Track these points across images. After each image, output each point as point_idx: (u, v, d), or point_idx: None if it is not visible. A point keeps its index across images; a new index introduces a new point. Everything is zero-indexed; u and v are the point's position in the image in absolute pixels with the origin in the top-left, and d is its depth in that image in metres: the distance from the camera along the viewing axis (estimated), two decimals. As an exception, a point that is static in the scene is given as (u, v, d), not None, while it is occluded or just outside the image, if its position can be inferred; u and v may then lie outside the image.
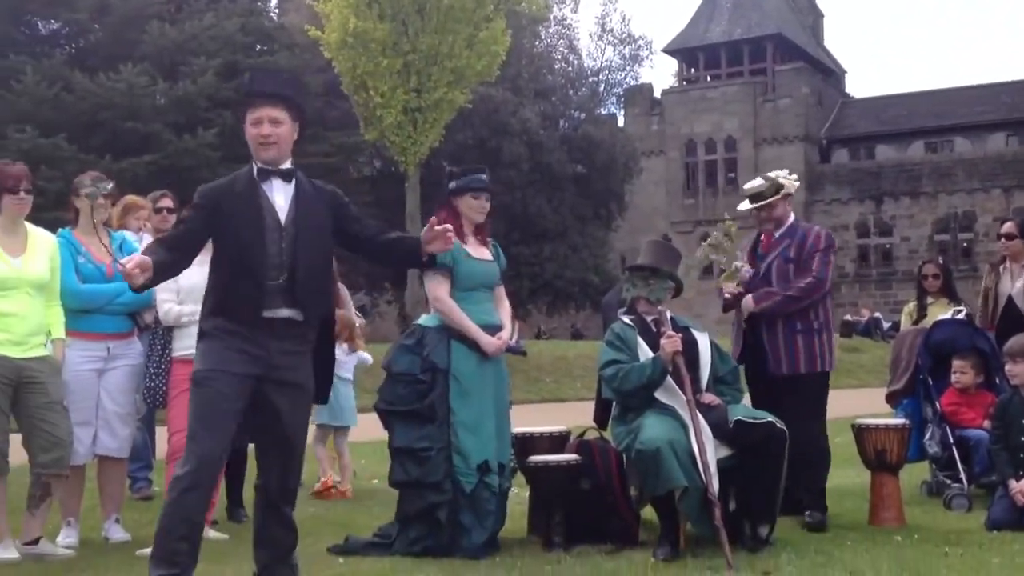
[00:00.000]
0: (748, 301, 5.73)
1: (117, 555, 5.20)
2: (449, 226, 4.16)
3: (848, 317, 33.41)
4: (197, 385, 3.99)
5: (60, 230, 5.61)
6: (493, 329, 5.31)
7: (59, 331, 5.29)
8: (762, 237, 5.94)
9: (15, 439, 5.16)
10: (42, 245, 5.27)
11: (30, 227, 5.30)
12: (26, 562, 5.01)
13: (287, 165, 4.13)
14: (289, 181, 4.10)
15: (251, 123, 4.08)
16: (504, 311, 5.50)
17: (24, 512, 5.21)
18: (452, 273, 5.28)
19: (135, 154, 25.28)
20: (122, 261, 3.82)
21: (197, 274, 5.52)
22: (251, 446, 6.40)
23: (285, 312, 4.01)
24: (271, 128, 4.05)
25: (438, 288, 5.28)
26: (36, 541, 5.15)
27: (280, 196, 4.07)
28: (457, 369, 5.18)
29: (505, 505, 5.34)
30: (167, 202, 6.60)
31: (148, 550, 5.12)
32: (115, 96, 25.75)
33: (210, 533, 5.65)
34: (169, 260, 3.95)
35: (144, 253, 3.94)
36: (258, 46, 30.84)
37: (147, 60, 26.88)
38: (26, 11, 28.89)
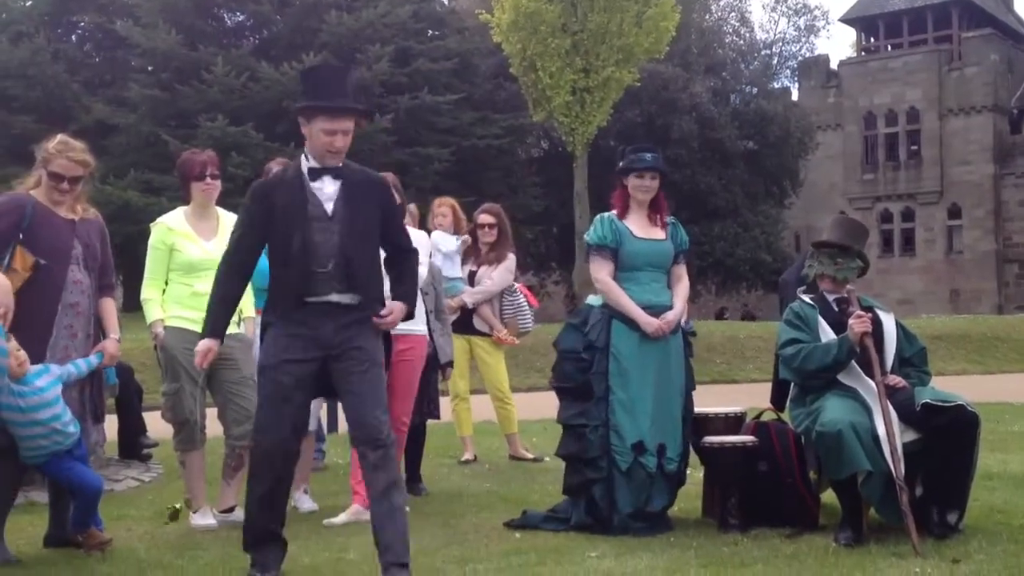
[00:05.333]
0: None
1: (306, 524, 5.43)
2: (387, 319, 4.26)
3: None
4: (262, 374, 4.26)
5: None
6: (658, 310, 5.27)
7: (249, 310, 5.55)
8: None
9: (211, 413, 5.46)
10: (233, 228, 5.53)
11: (221, 211, 5.58)
12: (223, 529, 5.28)
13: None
14: (337, 177, 4.22)
15: (325, 132, 4.18)
16: (679, 292, 5.44)
17: (220, 482, 5.52)
18: (616, 253, 5.28)
19: (316, 140, 26.21)
20: None
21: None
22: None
23: (335, 297, 4.16)
24: (344, 141, 4.20)
25: (599, 269, 5.32)
26: (231, 510, 5.44)
27: (330, 188, 4.22)
28: (616, 348, 5.20)
29: (673, 486, 5.31)
30: None
31: (336, 519, 5.39)
32: (298, 84, 26.67)
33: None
34: None
35: None
36: (429, 31, 31.43)
37: (326, 48, 27.80)
38: (213, 4, 30.35)
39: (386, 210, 4.35)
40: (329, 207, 4.18)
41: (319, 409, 6.15)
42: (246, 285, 4.47)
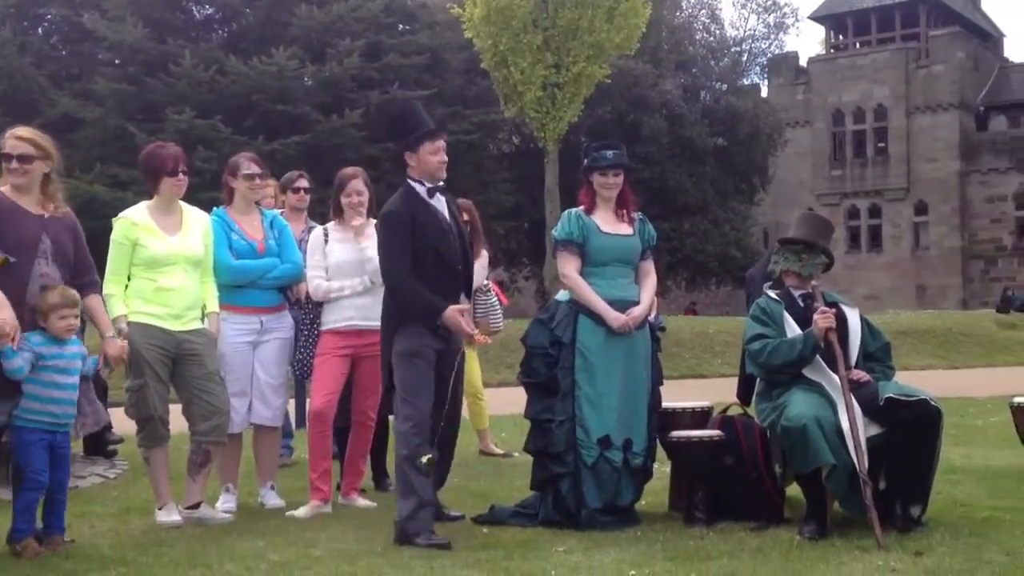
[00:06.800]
0: None
1: (273, 520, 5.41)
2: None
3: (1009, 292, 31.92)
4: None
5: (215, 208, 5.84)
6: (625, 305, 5.29)
7: (213, 305, 5.50)
8: None
9: (175, 409, 5.42)
10: (196, 223, 5.49)
11: (184, 206, 5.52)
12: (188, 525, 5.25)
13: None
14: (441, 195, 5.08)
15: (432, 152, 4.99)
16: (646, 287, 5.46)
17: (186, 478, 5.48)
18: (583, 249, 5.30)
19: (285, 135, 26.06)
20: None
21: (344, 251, 5.72)
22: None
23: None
24: (444, 156, 5.06)
25: (566, 264, 5.34)
26: (197, 506, 5.40)
27: (440, 204, 5.05)
28: (582, 343, 5.22)
29: (640, 481, 5.33)
30: (303, 182, 6.92)
31: (298, 512, 5.37)
32: (266, 78, 26.54)
33: (359, 501, 5.84)
34: None
35: None
36: (400, 26, 31.28)
37: (296, 43, 27.59)
38: (182, -3, 30.07)
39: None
40: (446, 220, 5.02)
41: (286, 404, 6.11)
42: None
